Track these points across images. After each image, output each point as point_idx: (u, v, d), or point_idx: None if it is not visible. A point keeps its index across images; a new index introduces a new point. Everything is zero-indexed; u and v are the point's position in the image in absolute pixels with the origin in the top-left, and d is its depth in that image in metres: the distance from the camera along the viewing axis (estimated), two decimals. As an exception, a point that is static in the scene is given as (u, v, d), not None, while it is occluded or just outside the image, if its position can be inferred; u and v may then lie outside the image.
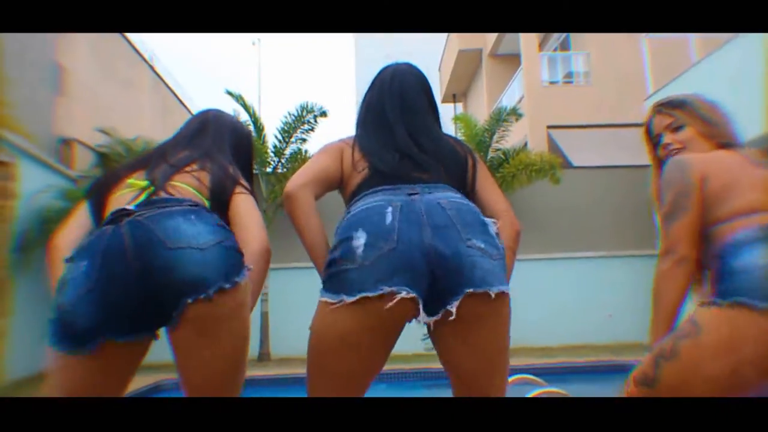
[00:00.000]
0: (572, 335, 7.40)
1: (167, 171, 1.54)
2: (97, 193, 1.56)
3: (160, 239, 1.27)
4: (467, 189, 1.58)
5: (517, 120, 8.02)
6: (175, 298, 1.27)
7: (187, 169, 1.57)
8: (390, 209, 1.35)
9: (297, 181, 1.51)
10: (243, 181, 1.63)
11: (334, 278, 1.34)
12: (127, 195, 1.49)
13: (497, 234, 1.41)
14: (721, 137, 1.67)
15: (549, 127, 11.69)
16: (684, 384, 1.40)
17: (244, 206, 1.57)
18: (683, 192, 1.54)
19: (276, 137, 7.53)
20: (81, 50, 8.57)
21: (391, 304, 1.26)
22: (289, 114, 7.46)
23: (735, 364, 1.33)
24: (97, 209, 1.54)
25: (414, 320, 1.36)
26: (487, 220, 1.40)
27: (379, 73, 1.76)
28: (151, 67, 11.81)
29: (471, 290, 1.28)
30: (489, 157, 7.80)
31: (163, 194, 1.46)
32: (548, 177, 7.56)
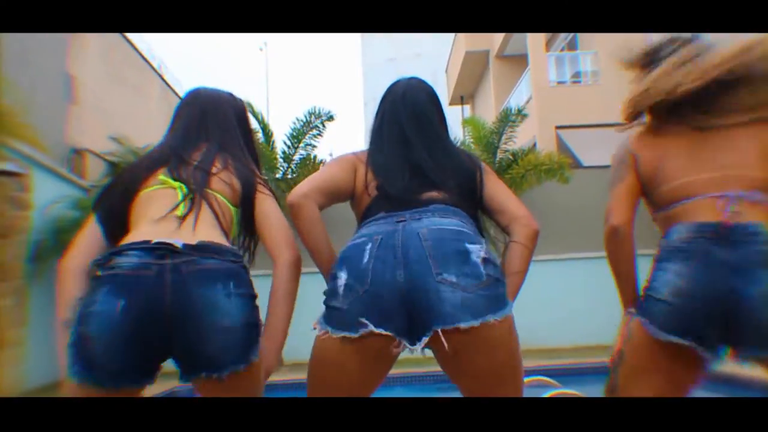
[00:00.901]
0: (583, 335, 7.37)
1: (199, 177, 1.53)
2: (115, 203, 1.54)
3: (197, 311, 1.29)
4: (476, 198, 1.61)
5: (522, 120, 7.99)
6: (191, 367, 1.33)
7: (214, 169, 1.57)
8: (369, 246, 1.40)
9: (300, 190, 1.56)
10: (264, 180, 1.66)
11: (327, 309, 1.44)
12: (160, 194, 1.49)
13: (484, 260, 1.36)
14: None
15: (558, 127, 11.65)
16: (632, 388, 1.48)
17: (273, 209, 1.61)
18: (620, 162, 1.67)
19: (285, 143, 7.56)
20: (91, 60, 8.66)
21: (368, 339, 1.34)
22: (298, 120, 7.49)
23: (661, 372, 1.44)
24: (115, 221, 1.52)
25: (411, 350, 1.39)
26: (471, 247, 1.37)
27: (390, 88, 1.79)
28: (160, 76, 11.91)
29: (440, 328, 1.29)
30: (498, 159, 7.79)
31: (204, 207, 1.47)
32: (557, 177, 7.54)
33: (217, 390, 1.36)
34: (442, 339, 1.29)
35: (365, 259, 1.38)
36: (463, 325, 1.28)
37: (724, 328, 1.35)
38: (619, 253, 1.60)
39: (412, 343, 1.35)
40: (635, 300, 1.57)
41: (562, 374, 3.51)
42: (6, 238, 4.36)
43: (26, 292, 5.00)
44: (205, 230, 1.44)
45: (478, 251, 1.36)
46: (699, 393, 1.49)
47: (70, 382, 1.30)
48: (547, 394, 2.42)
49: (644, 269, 1.55)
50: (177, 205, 1.46)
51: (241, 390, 1.39)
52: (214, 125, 1.69)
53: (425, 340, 1.31)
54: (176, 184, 1.50)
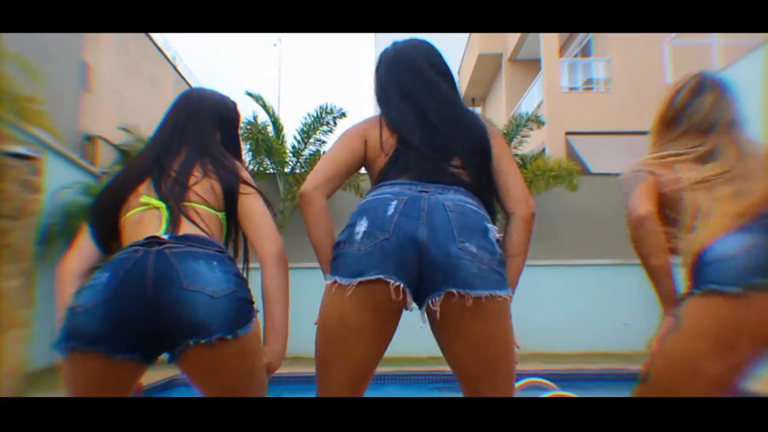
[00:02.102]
0: (585, 342, 7.36)
1: (177, 192, 1.54)
2: (104, 212, 1.58)
3: (179, 278, 1.32)
4: (488, 164, 1.60)
5: (538, 127, 8.01)
6: (178, 336, 1.33)
7: (192, 180, 1.58)
8: (395, 203, 1.43)
9: (311, 183, 1.60)
10: (249, 179, 1.66)
11: (336, 260, 1.45)
12: (144, 215, 1.51)
13: (498, 240, 1.44)
14: None
15: (567, 133, 11.64)
16: (670, 379, 1.44)
17: (255, 207, 1.61)
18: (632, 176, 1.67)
19: (295, 138, 7.60)
20: (107, 48, 8.73)
21: (376, 286, 1.36)
22: (309, 115, 7.53)
23: (711, 347, 1.37)
24: (105, 228, 1.57)
25: (408, 308, 1.42)
26: (490, 226, 1.44)
27: (384, 51, 1.81)
28: (174, 67, 11.99)
29: (451, 290, 1.34)
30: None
31: (184, 220, 1.49)
32: (565, 183, 7.54)
33: (206, 364, 1.34)
34: (455, 298, 1.34)
35: (390, 212, 1.40)
36: (474, 293, 1.34)
37: None
38: (649, 246, 1.58)
39: (415, 299, 1.40)
40: (676, 299, 1.54)
41: (560, 379, 3.52)
42: (17, 221, 4.41)
43: (34, 275, 5.07)
44: (192, 232, 1.48)
45: (494, 231, 1.43)
46: None
47: (61, 362, 1.35)
48: (544, 396, 2.44)
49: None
50: (159, 223, 1.49)
51: (232, 366, 1.37)
52: (193, 129, 1.70)
53: (434, 299, 1.35)
54: (159, 204, 1.52)
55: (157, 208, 1.51)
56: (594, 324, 7.43)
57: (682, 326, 1.44)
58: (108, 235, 1.58)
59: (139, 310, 1.31)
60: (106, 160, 7.91)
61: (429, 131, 1.59)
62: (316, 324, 1.50)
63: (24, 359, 4.49)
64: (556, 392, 2.52)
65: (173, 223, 1.47)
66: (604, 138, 11.01)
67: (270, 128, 7.53)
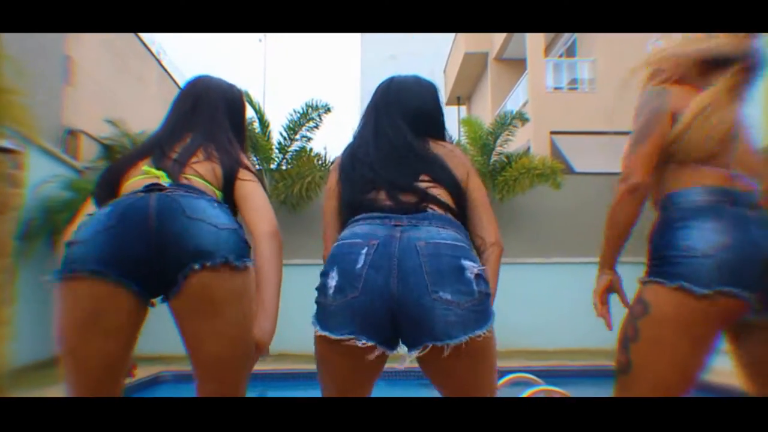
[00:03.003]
0: (569, 339, 7.44)
1: (175, 168, 1.56)
2: (109, 182, 1.59)
3: (183, 208, 1.36)
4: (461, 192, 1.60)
5: (523, 125, 8.07)
6: (182, 262, 1.34)
7: (194, 160, 1.59)
8: (365, 251, 1.39)
9: (325, 246, 1.66)
10: (249, 166, 1.67)
11: (316, 308, 1.46)
12: (143, 180, 1.52)
13: (477, 276, 1.38)
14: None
15: (552, 132, 11.73)
16: (650, 364, 1.47)
17: (254, 189, 1.62)
18: (654, 120, 1.59)
19: (281, 134, 7.57)
20: (90, 42, 8.63)
21: (349, 344, 1.36)
22: (295, 111, 7.51)
23: (686, 335, 1.43)
24: (109, 197, 1.56)
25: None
26: (466, 264, 1.38)
27: (383, 85, 1.81)
28: (158, 61, 11.87)
29: (431, 343, 1.32)
30: (492, 161, 7.85)
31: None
32: (550, 182, 7.61)
33: (207, 292, 1.35)
34: (430, 351, 1.34)
35: (359, 264, 1.37)
36: (453, 342, 1.32)
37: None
38: (626, 215, 1.59)
39: (394, 350, 1.42)
40: (611, 266, 1.67)
41: (546, 375, 3.56)
42: (-1, 215, 4.36)
43: (15, 271, 5.00)
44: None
45: (472, 268, 1.38)
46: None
47: (57, 284, 1.34)
48: (530, 391, 2.47)
49: (642, 275, 1.57)
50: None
51: (232, 299, 1.39)
52: (200, 115, 1.70)
53: (415, 353, 1.35)
54: (159, 172, 1.53)
55: (157, 176, 1.52)
56: (577, 321, 7.50)
57: (653, 313, 1.47)
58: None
59: (141, 237, 1.32)
60: (89, 154, 7.82)
61: (397, 160, 1.60)
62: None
63: (7, 356, 4.44)
64: (542, 387, 2.56)
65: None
66: (588, 138, 11.11)
67: (256, 124, 7.50)
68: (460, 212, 1.57)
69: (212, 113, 1.72)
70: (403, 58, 26.60)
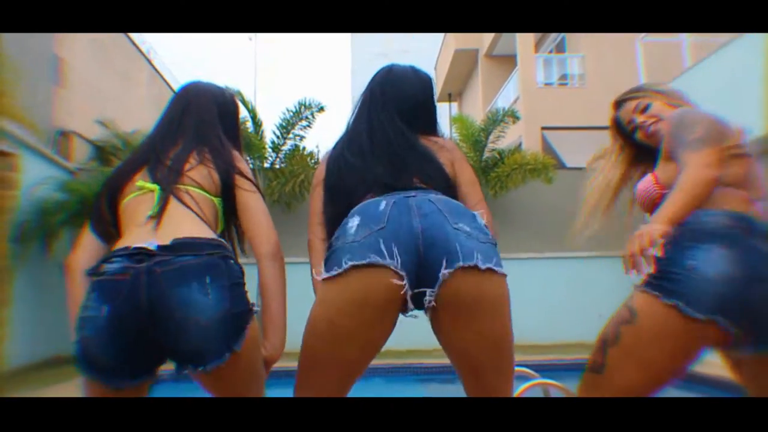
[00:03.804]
0: (563, 333, 7.50)
1: (171, 177, 1.57)
2: (103, 205, 1.62)
3: (171, 309, 1.34)
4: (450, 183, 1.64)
5: (514, 122, 8.12)
6: (179, 361, 1.40)
7: (188, 166, 1.60)
8: (384, 202, 1.45)
9: (310, 230, 1.71)
10: (246, 170, 1.68)
11: (329, 258, 1.45)
12: (139, 200, 1.55)
13: (486, 226, 1.47)
14: (685, 104, 1.77)
15: (543, 128, 11.80)
16: (622, 370, 1.48)
17: (252, 203, 1.63)
18: (719, 130, 1.56)
19: (274, 133, 7.58)
20: (80, 43, 8.59)
21: (372, 272, 1.34)
22: (288, 110, 7.52)
23: (667, 352, 1.44)
24: (104, 222, 1.62)
25: (407, 308, 1.41)
26: (477, 213, 1.48)
27: (381, 73, 1.82)
28: (149, 61, 11.82)
29: (460, 264, 1.33)
30: (484, 157, 7.90)
31: (174, 202, 1.52)
32: (542, 177, 7.66)
33: (209, 381, 1.43)
34: (460, 272, 1.34)
35: (381, 207, 1.43)
36: (482, 265, 1.34)
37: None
38: (706, 195, 1.49)
39: (419, 304, 1.40)
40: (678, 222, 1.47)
41: (542, 369, 3.59)
42: (-7, 218, 4.35)
43: (10, 273, 5.00)
44: (186, 226, 1.48)
45: (481, 217, 1.47)
46: (674, 393, 1.56)
47: (83, 378, 1.42)
48: (526, 385, 2.51)
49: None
50: (150, 205, 1.52)
51: (233, 380, 1.44)
52: (191, 120, 1.71)
53: (447, 272, 1.33)
54: (153, 186, 1.55)
55: (152, 191, 1.54)
56: (570, 315, 7.58)
57: (639, 323, 1.46)
58: (107, 226, 1.61)
59: (142, 342, 1.37)
60: (80, 155, 7.80)
61: (391, 158, 1.62)
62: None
63: (2, 358, 4.45)
64: (539, 380, 2.60)
65: (161, 204, 1.50)
66: (578, 132, 11.19)
67: (249, 123, 7.50)
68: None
69: (202, 116, 1.73)
70: (393, 56, 26.56)
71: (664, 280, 1.45)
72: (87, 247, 1.62)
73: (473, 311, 1.38)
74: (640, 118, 1.83)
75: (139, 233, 1.45)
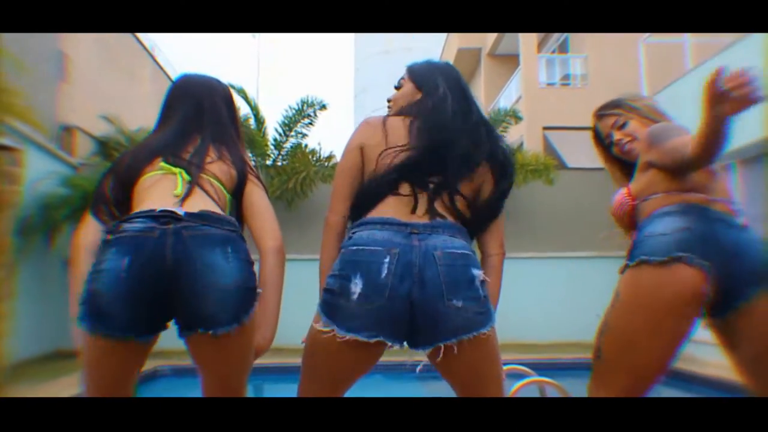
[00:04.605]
0: (561, 332, 7.53)
1: (193, 166, 1.62)
2: (122, 181, 1.63)
3: (196, 270, 1.41)
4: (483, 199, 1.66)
5: (516, 122, 8.14)
6: (188, 323, 1.44)
7: (208, 160, 1.65)
8: (387, 260, 1.48)
9: (338, 212, 1.66)
10: (254, 169, 1.75)
11: (331, 306, 1.51)
12: (160, 178, 1.58)
13: (482, 282, 1.51)
14: (663, 119, 1.83)
15: (545, 128, 11.81)
16: (617, 351, 1.58)
17: (260, 200, 1.69)
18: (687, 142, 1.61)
19: (276, 130, 7.61)
20: (84, 39, 8.62)
21: (374, 345, 1.47)
22: (290, 108, 7.55)
23: (644, 321, 1.53)
24: (119, 200, 1.63)
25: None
26: (475, 272, 1.51)
27: (449, 69, 1.83)
28: (152, 58, 11.85)
29: (439, 344, 1.47)
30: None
31: (198, 189, 1.56)
32: (543, 178, 7.69)
33: (209, 348, 1.46)
34: (442, 350, 1.48)
35: (384, 273, 1.47)
36: (463, 338, 1.47)
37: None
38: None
39: (412, 347, 1.54)
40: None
41: (539, 368, 3.63)
42: (-3, 212, 4.40)
43: (14, 267, 5.03)
44: (208, 208, 1.54)
45: (479, 276, 1.52)
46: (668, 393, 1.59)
47: (83, 334, 1.43)
48: (522, 382, 2.55)
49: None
50: (174, 185, 1.56)
51: (231, 351, 1.49)
52: (208, 120, 1.76)
53: (429, 349, 1.49)
54: (176, 170, 1.59)
55: (174, 173, 1.59)
56: (569, 315, 7.61)
57: (621, 299, 1.61)
58: (109, 206, 1.64)
59: (159, 298, 1.40)
60: (83, 150, 7.83)
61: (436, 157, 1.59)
62: (303, 342, 1.59)
63: (7, 352, 4.49)
64: (534, 378, 2.63)
65: (192, 188, 1.55)
66: (580, 133, 11.19)
67: (251, 121, 7.53)
68: (472, 218, 1.64)
69: (217, 117, 1.78)
70: (396, 53, 26.61)
71: (631, 250, 1.63)
72: (92, 227, 1.63)
73: (455, 369, 1.54)
74: (617, 135, 1.91)
75: (164, 202, 1.50)
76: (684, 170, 1.63)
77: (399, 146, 1.59)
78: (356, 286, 1.47)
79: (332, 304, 1.50)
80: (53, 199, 6.22)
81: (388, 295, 1.45)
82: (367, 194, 1.62)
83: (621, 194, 1.81)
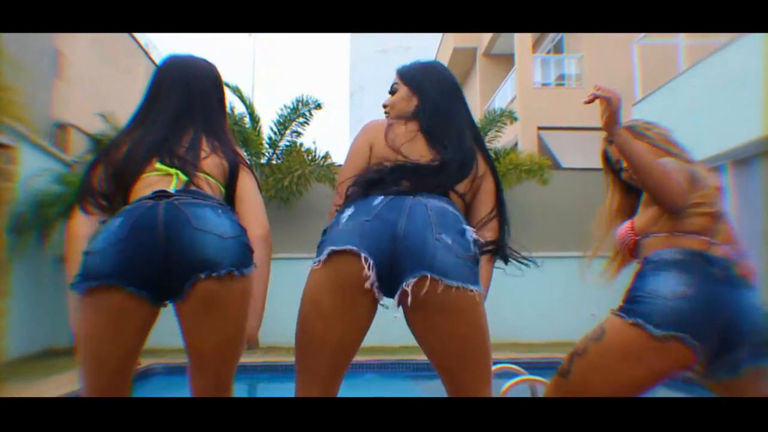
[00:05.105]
0: (557, 332, 7.55)
1: (189, 165, 1.62)
2: (121, 179, 1.62)
3: (188, 219, 1.44)
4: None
5: (511, 123, 8.17)
6: (188, 272, 1.44)
7: (203, 154, 1.66)
8: (381, 197, 1.53)
9: (341, 195, 1.67)
10: (245, 158, 1.78)
11: (319, 246, 1.53)
12: (157, 179, 1.59)
13: (474, 241, 1.51)
14: (670, 154, 1.82)
15: (540, 128, 11.85)
16: (585, 381, 1.60)
17: (250, 188, 1.72)
18: (694, 181, 1.68)
19: (271, 129, 7.61)
20: (80, 36, 8.59)
21: (347, 260, 1.44)
22: (285, 107, 7.55)
23: (631, 372, 1.54)
24: (114, 197, 1.62)
25: (377, 298, 1.49)
26: (467, 228, 1.52)
27: (441, 69, 1.84)
28: (148, 55, 11.82)
29: (425, 274, 1.40)
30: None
31: (193, 187, 1.58)
32: (537, 178, 7.71)
33: (211, 298, 1.44)
34: (427, 283, 1.40)
35: (376, 202, 1.51)
36: (446, 281, 1.41)
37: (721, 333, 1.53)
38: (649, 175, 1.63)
39: (388, 290, 1.48)
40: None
41: (533, 367, 3.65)
42: (-9, 210, 4.38)
43: (8, 264, 5.02)
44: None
45: (471, 232, 1.51)
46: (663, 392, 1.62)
47: (78, 303, 1.45)
48: (512, 381, 2.57)
49: (627, 270, 1.64)
50: (169, 183, 1.57)
51: (233, 304, 1.48)
52: (199, 109, 1.74)
53: (410, 282, 1.41)
54: (173, 170, 1.60)
55: (170, 174, 1.60)
56: (563, 314, 7.64)
57: (604, 341, 1.59)
58: (98, 200, 1.64)
59: (151, 249, 1.41)
60: (78, 147, 7.81)
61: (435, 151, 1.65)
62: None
63: (1, 349, 4.48)
64: (525, 377, 2.65)
65: (186, 185, 1.57)
66: (574, 133, 11.24)
67: (246, 119, 7.53)
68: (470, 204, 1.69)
69: (208, 103, 1.78)
70: (392, 52, 26.61)
71: (630, 303, 1.60)
72: (83, 218, 1.63)
73: (439, 316, 1.46)
74: (626, 162, 1.90)
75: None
76: (670, 209, 1.64)
77: (402, 150, 1.63)
78: (347, 212, 1.53)
79: (322, 241, 1.53)
80: (47, 196, 6.20)
81: (375, 215, 1.47)
82: (370, 181, 1.62)
83: (625, 228, 1.81)
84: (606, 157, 2.00)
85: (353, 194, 1.60)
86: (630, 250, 1.80)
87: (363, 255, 1.44)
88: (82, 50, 8.71)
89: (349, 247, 1.45)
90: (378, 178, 1.60)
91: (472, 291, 1.45)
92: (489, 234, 1.70)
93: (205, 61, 1.86)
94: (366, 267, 1.44)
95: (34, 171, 6.25)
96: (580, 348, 1.64)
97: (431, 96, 1.74)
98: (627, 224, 1.82)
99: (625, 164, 1.88)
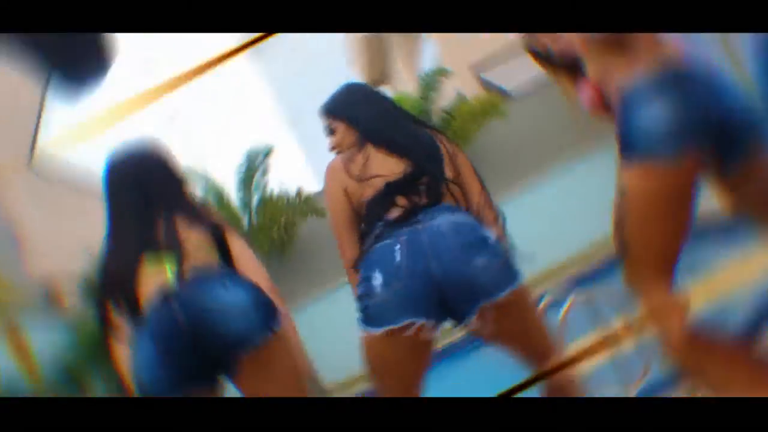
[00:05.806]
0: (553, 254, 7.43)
1: (177, 253, 1.63)
2: (124, 292, 1.62)
3: (206, 305, 1.49)
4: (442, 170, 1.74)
5: (447, 76, 8.15)
6: (228, 352, 1.49)
7: (183, 237, 1.65)
8: (398, 247, 1.55)
9: (348, 258, 1.75)
10: (224, 221, 1.80)
11: (363, 312, 1.60)
12: (155, 274, 1.60)
13: (497, 239, 1.60)
14: None
15: (473, 67, 11.80)
16: (642, 238, 1.52)
17: (242, 250, 1.75)
18: None
19: (237, 192, 7.58)
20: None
21: (404, 330, 1.50)
22: (240, 166, 7.51)
23: (663, 205, 1.49)
24: (125, 304, 1.63)
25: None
26: (487, 233, 1.58)
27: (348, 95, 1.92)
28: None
29: (485, 302, 1.51)
30: (435, 122, 7.92)
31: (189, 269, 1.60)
32: (495, 115, 7.70)
33: (261, 365, 1.51)
34: (490, 310, 1.51)
35: (398, 258, 1.53)
36: (502, 296, 1.51)
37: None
38: None
39: (457, 323, 1.57)
40: None
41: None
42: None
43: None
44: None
45: (492, 235, 1.59)
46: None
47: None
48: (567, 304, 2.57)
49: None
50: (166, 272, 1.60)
51: (283, 358, 1.55)
52: (159, 198, 1.72)
53: (471, 318, 1.52)
54: (164, 262, 1.61)
55: (163, 265, 1.61)
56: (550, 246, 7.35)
57: (630, 197, 1.52)
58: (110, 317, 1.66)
59: (183, 351, 1.47)
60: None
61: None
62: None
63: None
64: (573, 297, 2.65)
65: (179, 267, 1.59)
66: (511, 61, 11.19)
67: (211, 198, 7.48)
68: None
69: (166, 190, 1.75)
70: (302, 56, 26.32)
71: (625, 142, 1.52)
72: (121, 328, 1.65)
73: (502, 324, 1.56)
74: (554, 45, 1.87)
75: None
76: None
77: (374, 174, 1.68)
78: (377, 280, 1.54)
79: (363, 309, 1.58)
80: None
81: (405, 275, 1.50)
82: (369, 218, 1.68)
83: (586, 90, 1.75)
84: (536, 55, 2.00)
85: (367, 248, 1.64)
86: (604, 105, 1.71)
87: (419, 323, 1.51)
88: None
89: (403, 322, 1.50)
90: (377, 213, 1.65)
91: (518, 287, 1.55)
92: (489, 214, 1.78)
93: (146, 144, 1.81)
94: (428, 331, 1.52)
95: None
96: (617, 221, 1.60)
97: (367, 116, 1.79)
98: (585, 86, 1.75)
99: (553, 47, 1.86)
